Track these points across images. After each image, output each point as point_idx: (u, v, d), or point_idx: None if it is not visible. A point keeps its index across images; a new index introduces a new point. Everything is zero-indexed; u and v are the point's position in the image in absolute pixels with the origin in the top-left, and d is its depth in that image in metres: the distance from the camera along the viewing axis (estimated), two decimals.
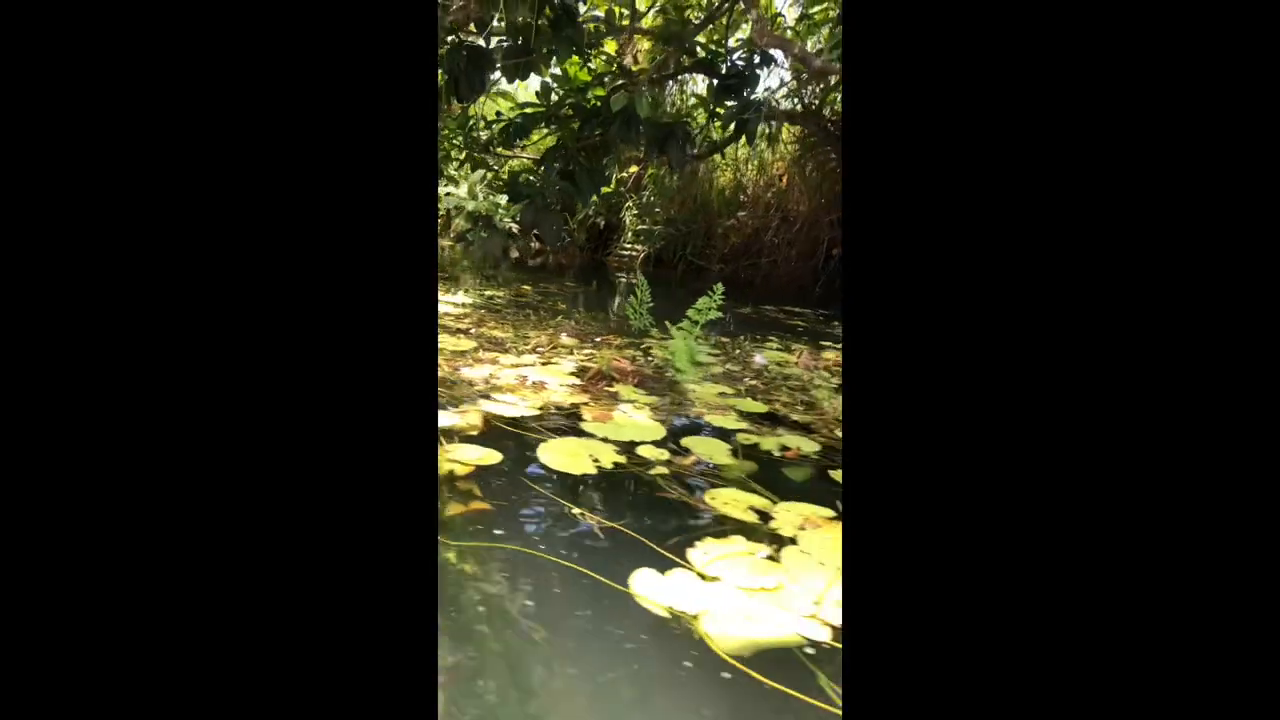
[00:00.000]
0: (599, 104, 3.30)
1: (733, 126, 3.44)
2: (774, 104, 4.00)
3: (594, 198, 3.80)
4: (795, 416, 1.63)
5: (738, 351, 2.36)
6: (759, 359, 2.24)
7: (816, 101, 4.02)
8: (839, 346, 2.58)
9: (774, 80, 4.29)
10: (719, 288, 2.02)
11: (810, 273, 4.25)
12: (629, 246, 4.94)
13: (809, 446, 1.41)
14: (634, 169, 4.80)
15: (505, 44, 2.78)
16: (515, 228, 3.57)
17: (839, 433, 1.51)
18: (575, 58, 3.17)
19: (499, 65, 2.78)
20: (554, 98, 3.45)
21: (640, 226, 4.79)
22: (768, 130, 3.82)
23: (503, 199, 3.48)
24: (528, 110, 3.51)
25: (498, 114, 3.87)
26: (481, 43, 2.72)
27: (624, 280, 4.46)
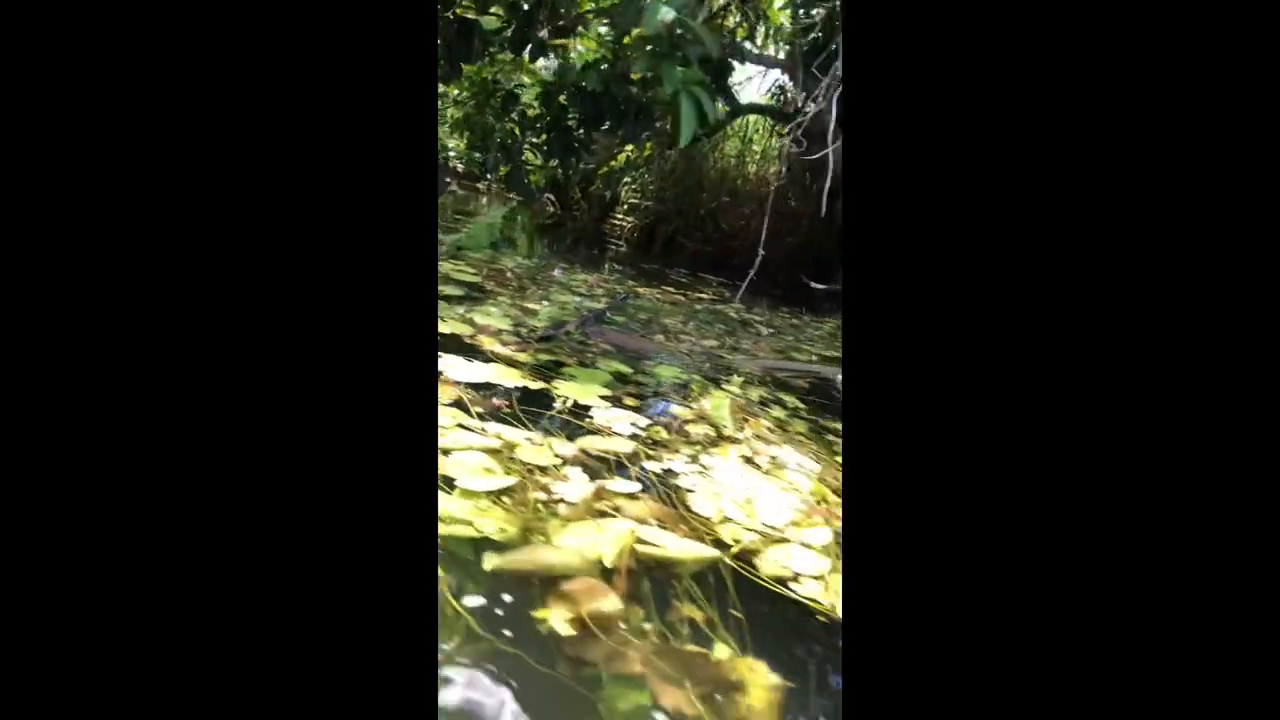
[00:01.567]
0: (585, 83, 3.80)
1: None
2: (753, 101, 4.52)
3: (576, 166, 4.31)
4: None
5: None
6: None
7: (797, 103, 4.51)
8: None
9: (766, 81, 4.75)
10: None
11: (784, 262, 4.77)
12: (622, 218, 5.48)
13: None
14: (641, 149, 5.29)
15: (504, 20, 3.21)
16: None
17: None
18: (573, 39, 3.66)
19: (498, 40, 3.23)
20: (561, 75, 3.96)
21: (634, 200, 5.33)
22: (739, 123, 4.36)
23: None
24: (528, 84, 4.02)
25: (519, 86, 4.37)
26: (472, 15, 3.07)
27: (615, 246, 5.01)
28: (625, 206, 5.52)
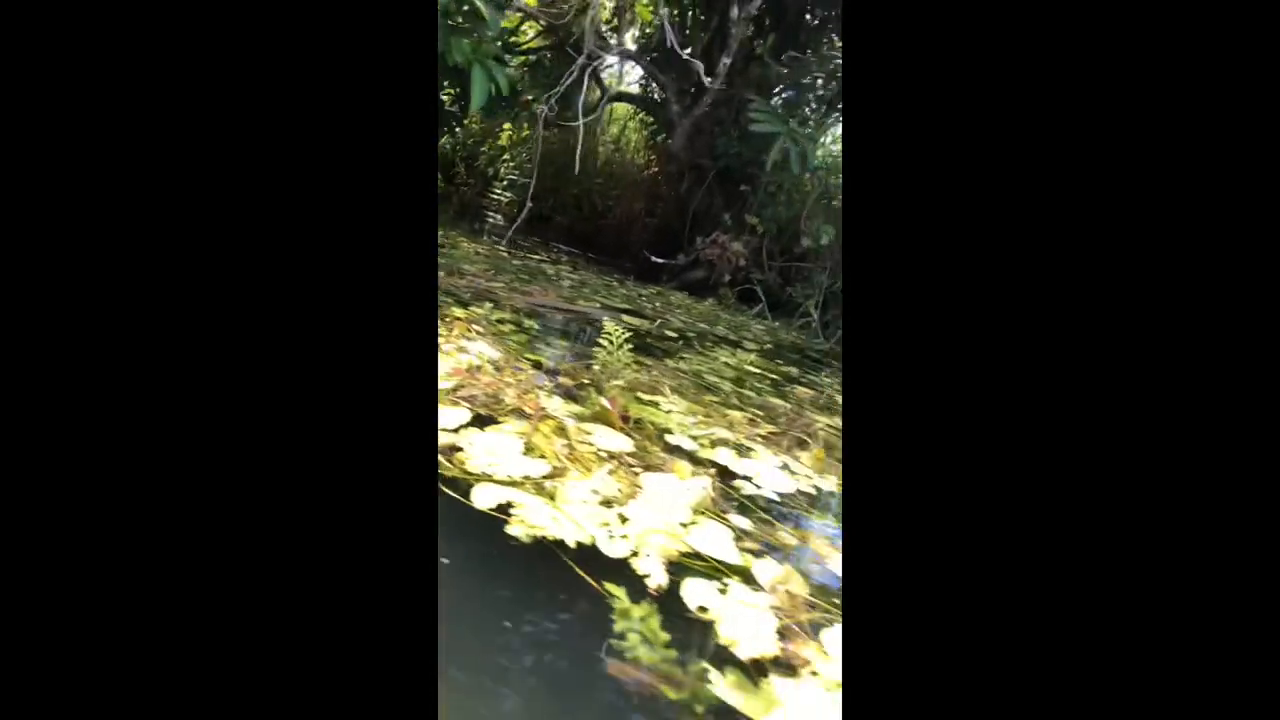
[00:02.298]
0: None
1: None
2: (623, 89, 4.89)
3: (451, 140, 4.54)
4: None
5: None
6: None
7: (663, 94, 4.90)
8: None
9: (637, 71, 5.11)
10: None
11: (640, 237, 5.14)
12: (499, 193, 5.78)
13: None
14: (519, 129, 5.58)
15: None
16: None
17: None
18: None
19: None
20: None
21: (512, 176, 5.63)
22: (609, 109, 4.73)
23: None
24: None
25: None
26: None
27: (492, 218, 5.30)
28: (505, 183, 5.82)
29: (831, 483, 1.40)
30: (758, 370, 2.36)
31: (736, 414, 1.69)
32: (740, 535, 1.03)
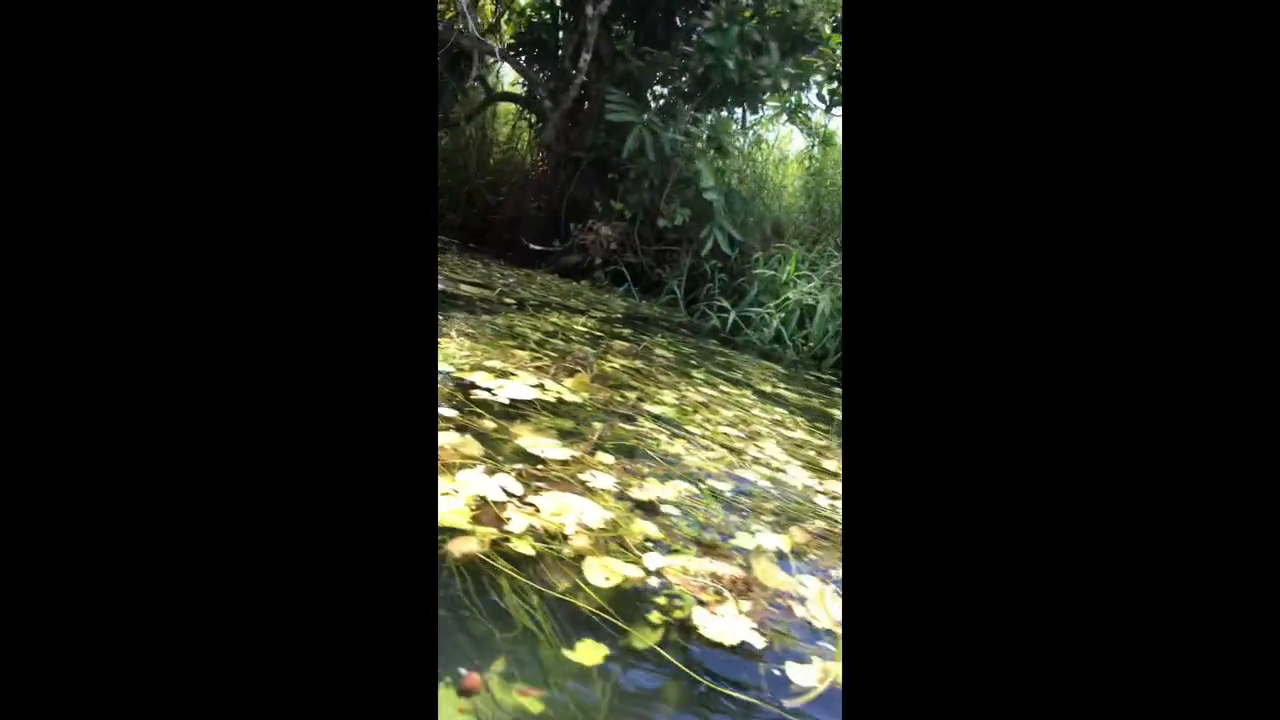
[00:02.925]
0: None
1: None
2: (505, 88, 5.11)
3: None
4: None
5: None
6: None
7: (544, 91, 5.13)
8: None
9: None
10: None
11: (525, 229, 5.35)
12: None
13: None
14: None
15: None
16: None
17: None
18: None
19: None
20: None
21: None
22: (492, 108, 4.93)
23: None
24: None
25: None
26: None
27: None
28: None
29: (583, 397, 1.62)
30: (584, 329, 2.58)
31: (524, 354, 1.90)
32: (444, 421, 1.24)
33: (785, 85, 3.86)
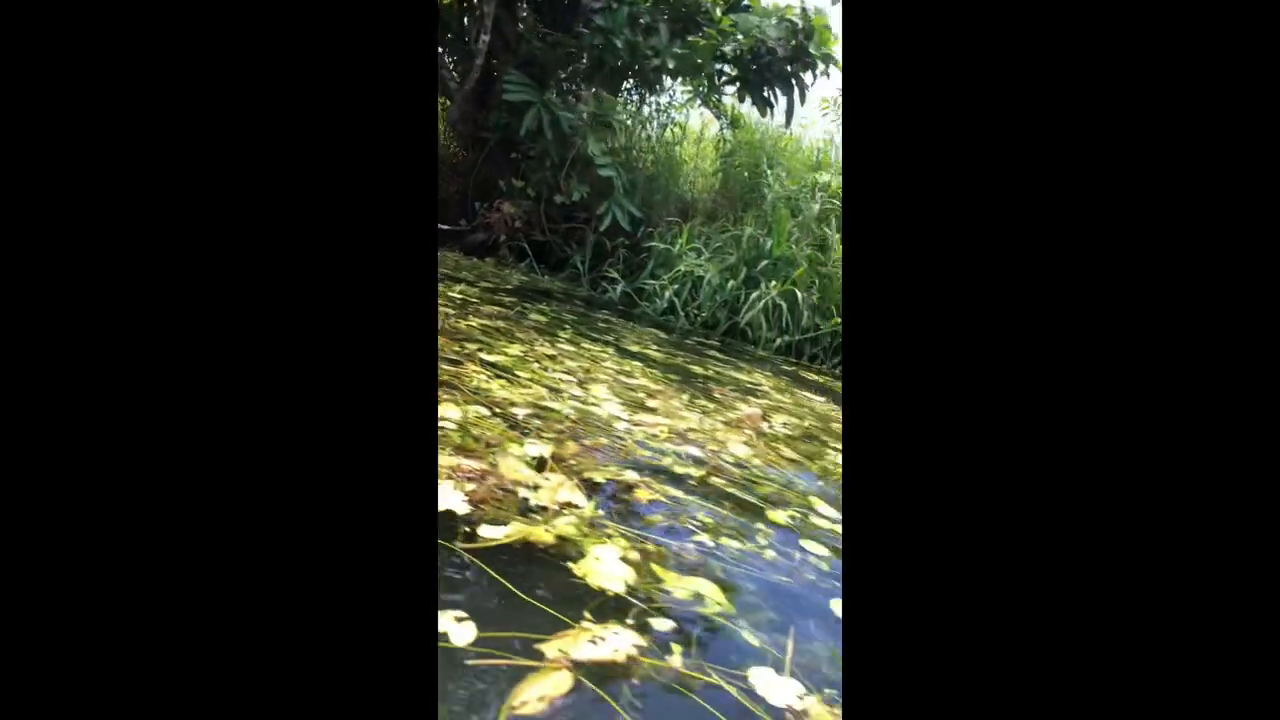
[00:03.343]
0: None
1: None
2: None
3: None
4: None
5: None
6: None
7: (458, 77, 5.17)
8: None
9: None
10: None
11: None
12: None
13: None
14: None
15: None
16: None
17: None
18: None
19: None
20: None
21: None
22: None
23: None
24: None
25: None
26: None
27: None
28: None
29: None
30: (458, 297, 2.68)
31: None
32: None
33: (672, 65, 3.99)
